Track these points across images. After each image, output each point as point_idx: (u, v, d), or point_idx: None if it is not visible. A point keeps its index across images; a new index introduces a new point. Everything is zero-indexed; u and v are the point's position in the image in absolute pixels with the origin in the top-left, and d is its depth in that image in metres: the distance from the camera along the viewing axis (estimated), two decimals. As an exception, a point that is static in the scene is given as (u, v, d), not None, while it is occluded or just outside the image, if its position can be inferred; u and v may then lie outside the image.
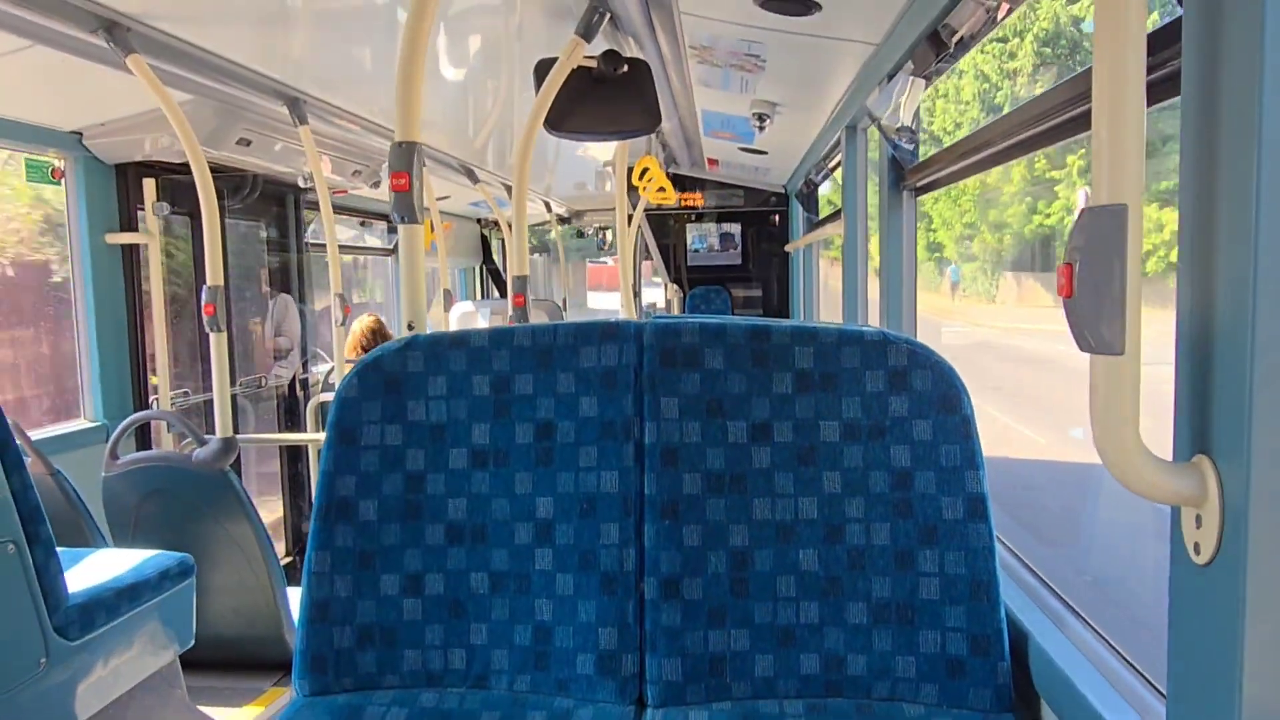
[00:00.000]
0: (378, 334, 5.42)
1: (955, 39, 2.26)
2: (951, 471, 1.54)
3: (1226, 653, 0.90)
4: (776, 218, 7.96)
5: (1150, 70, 0.96)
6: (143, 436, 3.90)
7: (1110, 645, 1.51)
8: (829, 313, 6.67)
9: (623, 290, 4.45)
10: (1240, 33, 0.87)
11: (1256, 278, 0.86)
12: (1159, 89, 1.18)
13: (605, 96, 2.73)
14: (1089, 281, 0.92)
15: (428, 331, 1.81)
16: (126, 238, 3.74)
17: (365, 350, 4.98)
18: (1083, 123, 1.62)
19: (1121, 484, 0.95)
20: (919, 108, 2.92)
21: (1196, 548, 0.95)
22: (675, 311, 7.73)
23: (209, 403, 4.17)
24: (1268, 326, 0.86)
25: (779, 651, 1.56)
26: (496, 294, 8.83)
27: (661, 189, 5.38)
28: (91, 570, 2.56)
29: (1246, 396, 0.87)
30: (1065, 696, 1.37)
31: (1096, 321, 0.92)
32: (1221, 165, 0.90)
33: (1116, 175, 0.91)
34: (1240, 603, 0.88)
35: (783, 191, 7.75)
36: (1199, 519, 0.95)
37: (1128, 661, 1.44)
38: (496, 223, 8.25)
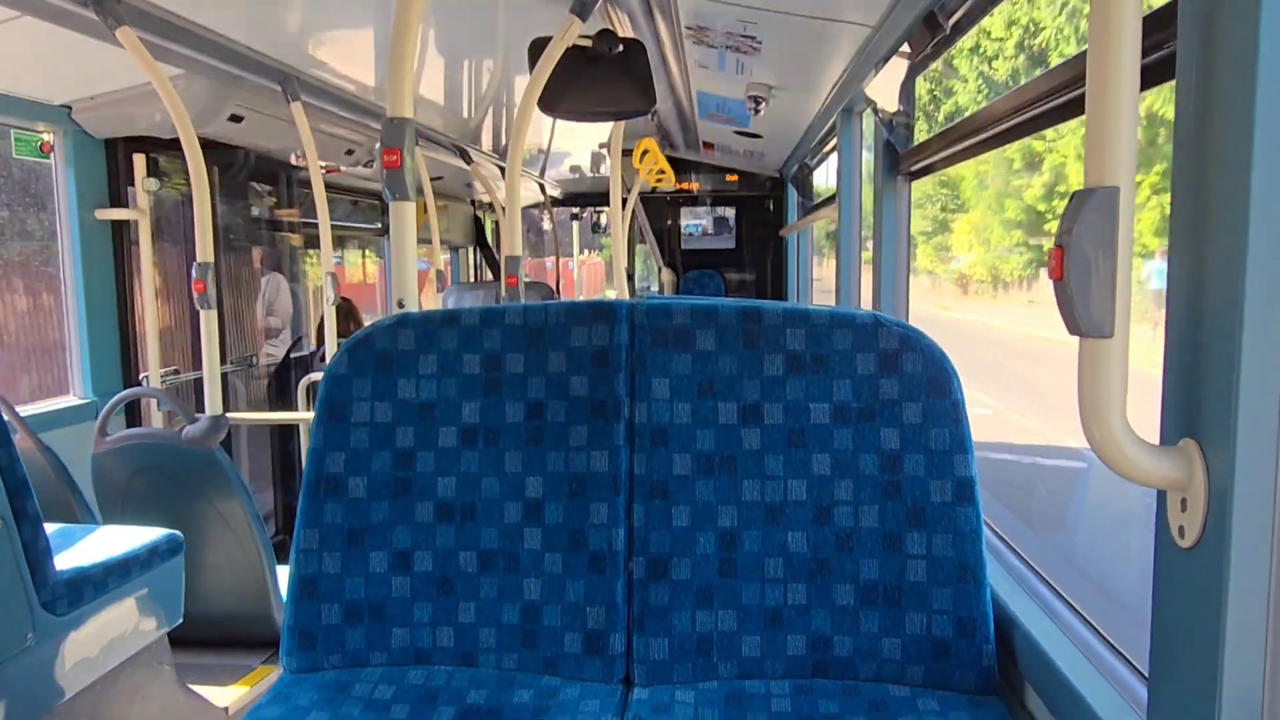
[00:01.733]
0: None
1: (951, 21, 2.25)
2: (941, 455, 1.54)
3: (1208, 636, 0.91)
4: (771, 202, 7.94)
5: (1146, 53, 0.95)
6: (132, 413, 3.89)
7: (1094, 628, 1.52)
8: (824, 300, 6.67)
9: (616, 272, 4.44)
10: (1236, 16, 0.87)
11: (1247, 262, 0.86)
12: (1154, 72, 1.17)
13: (600, 77, 2.71)
14: (1079, 264, 0.92)
15: (419, 310, 1.80)
16: (116, 213, 3.71)
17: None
18: (1078, 106, 1.61)
19: (1108, 467, 0.95)
20: (914, 91, 2.91)
21: (1181, 531, 0.96)
22: (669, 295, 7.73)
23: (199, 380, 4.16)
24: (1257, 312, 0.86)
25: (766, 632, 1.57)
26: (490, 276, 8.80)
27: (661, 172, 5.35)
28: (80, 546, 2.56)
29: (1234, 381, 0.87)
30: (1049, 678, 1.38)
31: (1086, 304, 0.92)
32: (1215, 149, 0.90)
33: (1110, 158, 0.91)
34: (1223, 586, 0.89)
35: (778, 176, 7.73)
36: (1184, 503, 0.95)
37: (1111, 644, 1.45)
38: (491, 204, 8.22)
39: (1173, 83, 0.99)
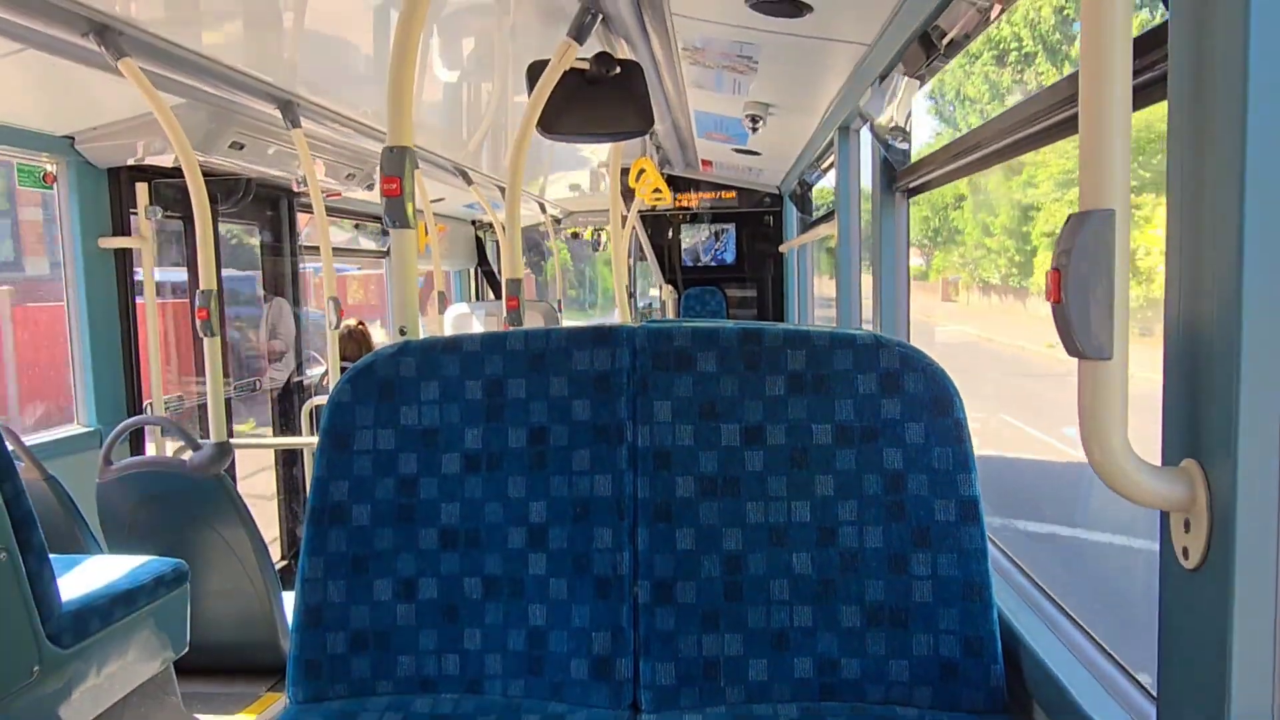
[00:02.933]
0: (354, 335, 5.52)
1: (946, 40, 2.27)
2: (943, 474, 1.54)
3: (1216, 656, 0.91)
4: (770, 219, 7.96)
5: (1137, 74, 0.96)
6: (137, 441, 3.89)
7: (1102, 648, 1.51)
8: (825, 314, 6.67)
9: (617, 291, 4.45)
10: (1226, 36, 0.87)
11: (1244, 282, 0.86)
12: (1146, 93, 1.18)
13: (598, 98, 2.73)
14: (1077, 287, 0.92)
15: (421, 336, 1.81)
16: (119, 242, 3.73)
17: (343, 356, 5.03)
18: (1073, 125, 1.62)
19: (1110, 488, 0.95)
20: (911, 108, 2.93)
21: (1185, 552, 0.95)
22: (670, 313, 7.74)
23: (203, 406, 4.17)
24: (1256, 331, 0.86)
25: (772, 655, 1.56)
26: (491, 296, 8.82)
27: (657, 191, 5.37)
28: (85, 577, 2.56)
29: (1235, 401, 0.87)
30: (1057, 699, 1.37)
31: (1085, 327, 0.92)
32: (1208, 169, 0.90)
33: (1104, 180, 0.91)
34: (1229, 607, 0.89)
35: (777, 192, 7.76)
36: (1188, 524, 0.95)
37: (1119, 664, 1.45)
38: (491, 225, 8.25)
39: (1165, 103, 0.99)
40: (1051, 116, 1.71)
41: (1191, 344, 0.94)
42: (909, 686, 1.53)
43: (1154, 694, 1.13)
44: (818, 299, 6.85)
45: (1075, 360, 0.95)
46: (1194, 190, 0.93)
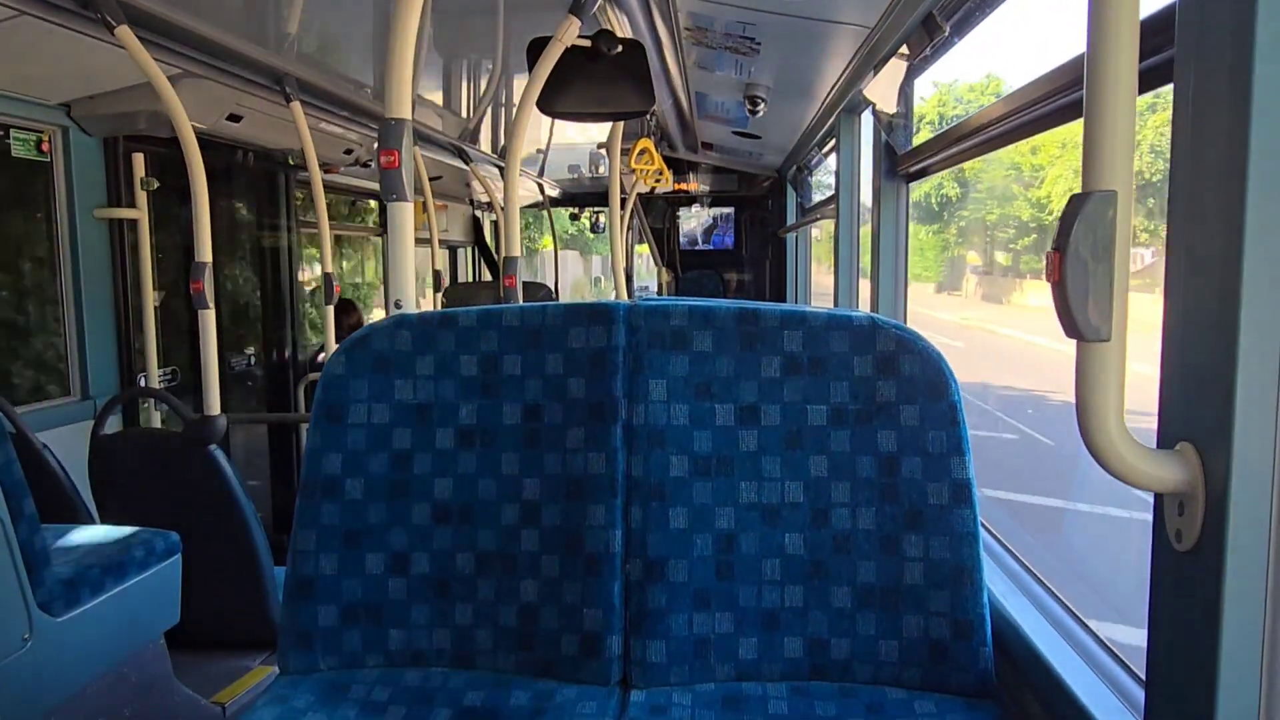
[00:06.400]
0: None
1: (950, 23, 2.25)
2: (938, 457, 1.54)
3: (1206, 638, 0.91)
4: (770, 202, 7.94)
5: (1143, 57, 0.95)
6: (130, 413, 3.88)
7: (1091, 631, 1.52)
8: (823, 301, 6.66)
9: (615, 273, 4.45)
10: (1233, 21, 0.87)
11: (1243, 266, 0.86)
12: (1151, 76, 1.18)
13: (599, 77, 2.71)
14: (1076, 268, 0.92)
15: (416, 311, 1.80)
16: (115, 213, 3.71)
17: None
18: (1076, 109, 1.61)
19: (1105, 470, 0.95)
20: (912, 92, 2.91)
21: (1178, 534, 0.96)
22: (667, 295, 7.73)
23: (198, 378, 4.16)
24: (1253, 314, 0.86)
25: (763, 634, 1.57)
26: (488, 275, 8.80)
27: (659, 173, 5.36)
28: (77, 546, 2.55)
29: (1231, 384, 0.87)
30: (1047, 682, 1.38)
31: (1084, 308, 0.92)
32: (1212, 153, 0.90)
33: (1107, 162, 0.91)
34: (1220, 589, 0.89)
35: (776, 176, 7.74)
36: (1181, 506, 0.95)
37: (1108, 647, 1.45)
38: (489, 204, 8.22)
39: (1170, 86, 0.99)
40: (1054, 100, 1.70)
41: (1189, 327, 0.94)
42: (898, 667, 1.54)
43: (1143, 678, 1.14)
44: (817, 286, 6.85)
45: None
46: (1196, 173, 0.92)
